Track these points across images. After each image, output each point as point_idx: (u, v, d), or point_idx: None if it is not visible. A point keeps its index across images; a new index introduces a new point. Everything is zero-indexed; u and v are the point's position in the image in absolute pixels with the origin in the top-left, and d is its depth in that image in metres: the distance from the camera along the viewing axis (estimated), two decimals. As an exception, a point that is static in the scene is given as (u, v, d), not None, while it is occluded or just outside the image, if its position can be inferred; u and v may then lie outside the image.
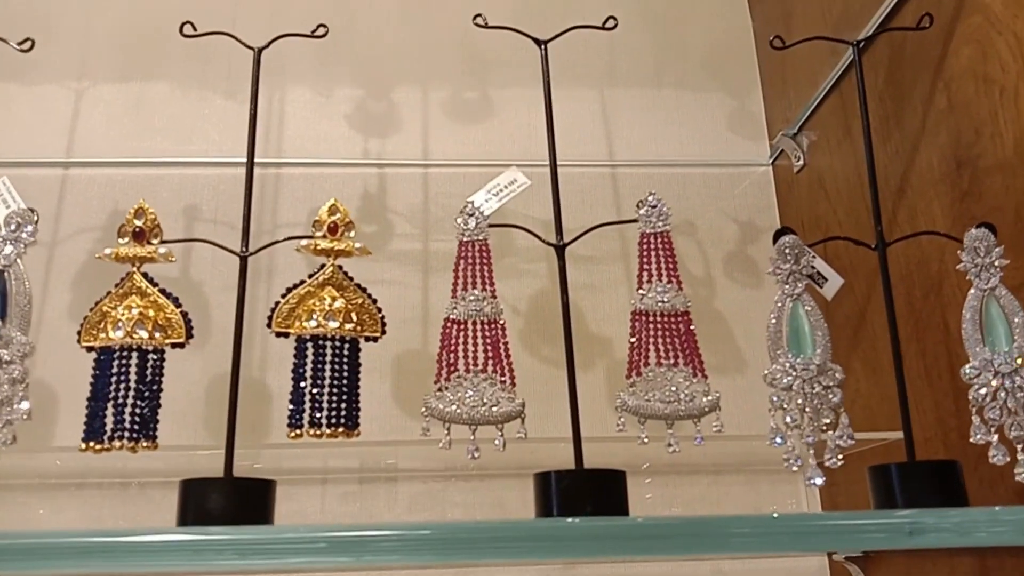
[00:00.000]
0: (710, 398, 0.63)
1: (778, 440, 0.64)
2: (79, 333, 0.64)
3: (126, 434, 0.60)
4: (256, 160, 1.21)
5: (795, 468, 0.64)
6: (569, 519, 0.56)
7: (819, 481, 0.63)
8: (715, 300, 1.20)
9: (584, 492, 0.58)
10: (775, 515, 0.59)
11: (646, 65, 1.30)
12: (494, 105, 1.26)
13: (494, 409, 0.62)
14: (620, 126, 1.27)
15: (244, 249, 0.67)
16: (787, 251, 0.67)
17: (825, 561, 1.09)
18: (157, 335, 0.63)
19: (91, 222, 1.17)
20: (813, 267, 0.69)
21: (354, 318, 0.64)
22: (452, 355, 0.63)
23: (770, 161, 1.25)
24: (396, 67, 1.26)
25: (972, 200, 0.82)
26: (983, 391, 0.64)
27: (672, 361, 0.63)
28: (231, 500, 0.57)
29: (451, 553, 0.56)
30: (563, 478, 0.58)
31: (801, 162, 1.16)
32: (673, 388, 0.63)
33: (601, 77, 1.29)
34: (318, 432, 0.61)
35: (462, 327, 0.64)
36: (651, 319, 0.65)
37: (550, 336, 1.17)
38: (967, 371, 0.66)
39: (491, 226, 0.67)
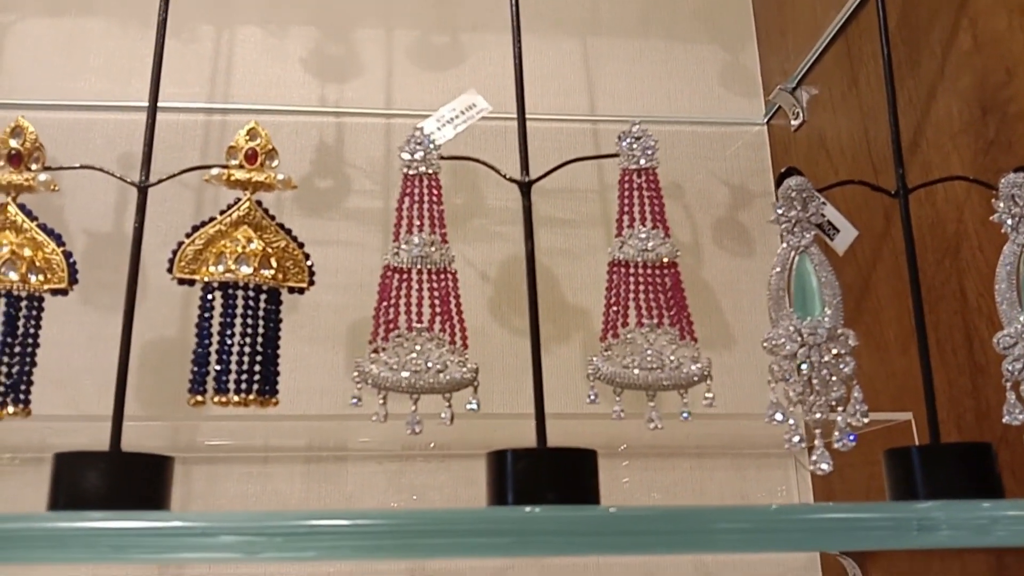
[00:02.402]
0: (699, 365, 0.53)
1: (778, 417, 0.54)
2: (-59, 275, 0.53)
3: (-12, 397, 0.49)
4: (201, 106, 1.12)
5: (797, 449, 0.54)
6: (527, 508, 0.45)
7: (826, 467, 0.53)
8: (702, 270, 1.09)
9: (546, 475, 0.48)
10: (768, 508, 0.49)
11: (632, 13, 1.19)
12: (465, 50, 1.15)
13: (441, 375, 0.51)
14: (603, 78, 1.16)
15: (144, 179, 0.55)
16: (793, 195, 0.56)
17: (816, 555, 0.99)
18: (33, 278, 0.51)
19: (11, 169, 1.05)
20: (823, 215, 0.58)
21: (274, 264, 0.53)
22: (392, 309, 0.53)
23: (765, 120, 1.14)
24: (357, 6, 1.14)
25: (1000, 150, 0.72)
26: (1020, 363, 0.54)
27: (655, 321, 0.53)
28: (114, 479, 0.47)
29: (383, 549, 0.45)
30: (520, 457, 0.48)
31: (800, 119, 1.06)
32: (656, 352, 0.52)
33: (583, 25, 1.18)
34: (224, 399, 0.50)
35: (404, 276, 0.53)
36: (632, 271, 0.54)
37: (521, 306, 1.07)
38: (1001, 339, 0.56)
39: (443, 158, 0.56)
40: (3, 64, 1.10)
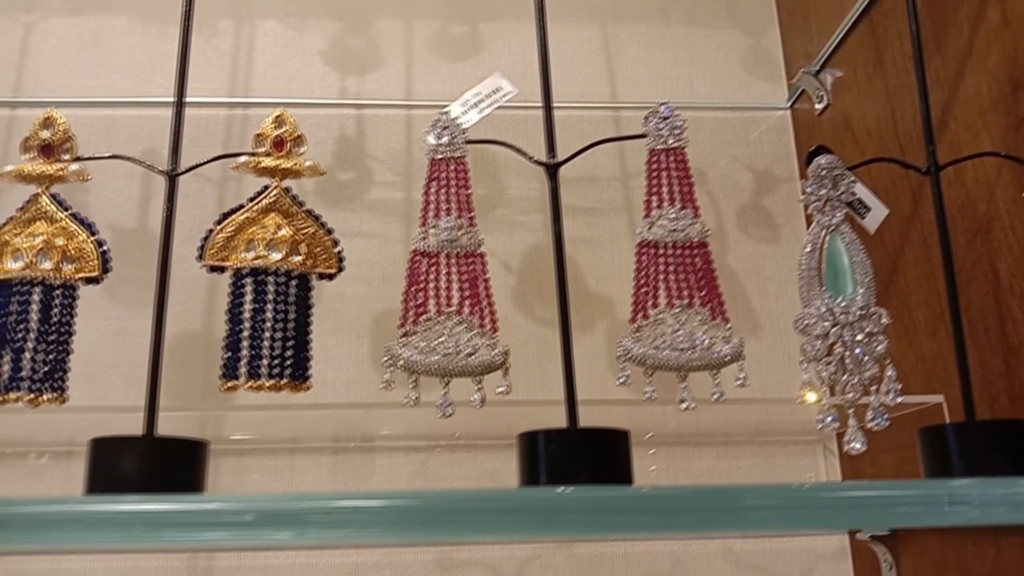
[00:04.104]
0: (731, 345, 0.53)
1: (810, 397, 0.53)
2: (-25, 267, 0.54)
3: (26, 384, 0.49)
4: (222, 100, 1.12)
5: (830, 430, 0.54)
6: (560, 488, 0.45)
7: (859, 446, 0.53)
8: (727, 256, 1.08)
9: (579, 456, 0.47)
10: (799, 486, 0.48)
11: (653, -1, 1.18)
12: (484, 40, 1.14)
13: (471, 358, 0.51)
14: (624, 65, 1.16)
15: (173, 168, 0.56)
16: (823, 174, 0.56)
17: (846, 540, 0.98)
18: (65, 267, 0.52)
19: (38, 166, 1.06)
20: (854, 193, 0.57)
21: (303, 250, 0.53)
22: (421, 294, 0.53)
23: (789, 104, 1.13)
24: (376, -2, 1.14)
25: (1032, 126, 0.71)
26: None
27: (686, 301, 0.53)
28: (150, 464, 0.47)
29: (413, 530, 0.45)
30: (553, 438, 0.48)
31: (824, 103, 1.05)
32: (687, 333, 0.52)
33: (603, 12, 1.17)
34: (256, 384, 0.50)
35: (433, 260, 0.53)
36: (661, 252, 0.54)
37: (545, 295, 1.06)
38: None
39: (469, 142, 0.56)
40: (28, 63, 1.11)
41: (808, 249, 0.56)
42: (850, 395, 0.54)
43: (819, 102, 1.05)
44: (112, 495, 0.45)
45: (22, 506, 0.44)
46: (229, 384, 0.51)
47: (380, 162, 1.09)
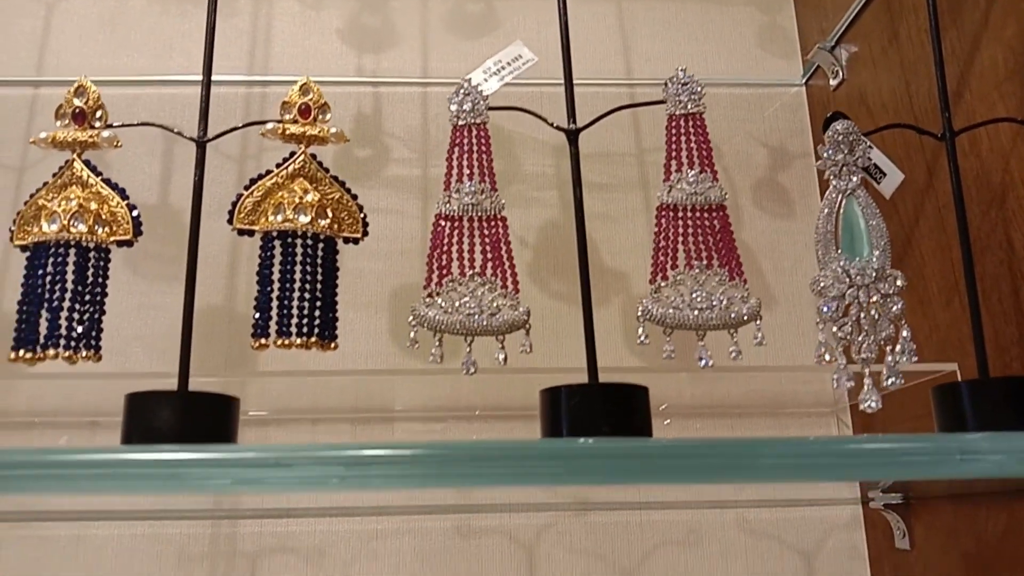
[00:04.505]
0: (749, 305, 0.54)
1: (827, 357, 0.54)
2: (12, 232, 0.55)
3: (63, 342, 0.51)
4: (241, 79, 1.14)
5: (846, 388, 0.55)
6: (580, 440, 0.47)
7: (875, 404, 0.54)
8: (742, 231, 1.09)
9: (600, 410, 0.49)
10: (813, 439, 0.49)
11: (667, -25, 1.18)
12: (499, 17, 1.15)
13: (494, 318, 0.52)
14: (639, 42, 1.16)
15: (202, 135, 0.57)
16: (840, 139, 0.57)
17: (859, 511, 1.00)
18: (99, 230, 0.53)
19: (62, 143, 1.07)
20: (869, 158, 0.58)
21: (329, 214, 0.55)
22: (445, 256, 0.54)
23: (803, 80, 1.14)
24: (392, -25, 1.15)
25: (1048, 95, 0.71)
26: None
27: (704, 263, 0.54)
28: (185, 417, 0.49)
29: (436, 477, 0.47)
30: (575, 393, 0.49)
31: (839, 78, 1.05)
32: (706, 293, 0.53)
33: (618, -12, 1.18)
34: (286, 342, 0.52)
35: (456, 224, 0.55)
36: (680, 215, 0.55)
37: (560, 269, 1.08)
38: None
39: (491, 109, 0.57)
40: (50, 42, 1.13)
41: (825, 213, 0.57)
42: (865, 355, 0.54)
43: (834, 77, 1.06)
44: (147, 444, 0.47)
45: (60, 455, 0.46)
46: (260, 343, 0.53)
47: (397, 139, 1.10)
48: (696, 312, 0.53)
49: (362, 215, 0.57)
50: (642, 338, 0.53)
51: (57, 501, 0.95)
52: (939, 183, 0.86)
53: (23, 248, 0.55)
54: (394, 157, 1.10)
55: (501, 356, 0.53)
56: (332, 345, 0.55)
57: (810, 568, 0.98)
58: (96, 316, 0.53)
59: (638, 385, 0.50)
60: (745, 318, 0.53)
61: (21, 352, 0.51)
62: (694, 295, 0.53)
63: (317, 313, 0.53)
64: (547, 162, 1.10)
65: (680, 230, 0.54)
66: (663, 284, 0.54)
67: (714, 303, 0.53)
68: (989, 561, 0.78)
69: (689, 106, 0.56)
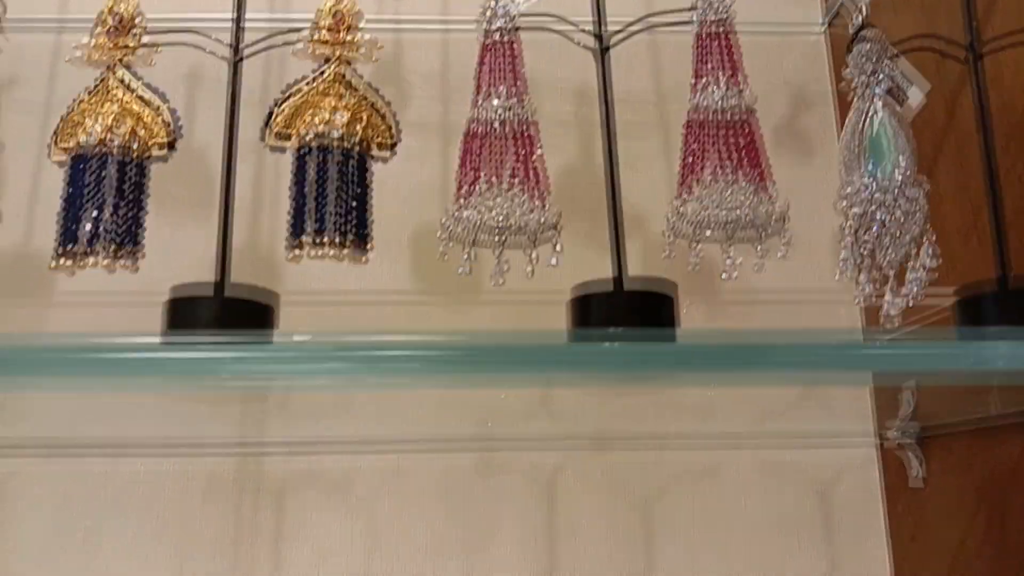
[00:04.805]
0: (777, 213, 0.54)
1: (850, 270, 0.55)
2: (50, 146, 0.57)
3: (103, 248, 0.52)
4: (263, 16, 1.14)
5: (868, 304, 0.56)
6: (605, 343, 0.48)
7: (899, 309, 0.54)
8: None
9: (627, 315, 0.50)
10: (831, 342, 0.50)
11: (686, -81, 1.17)
12: (520, -39, 1.15)
13: (524, 228, 0.53)
14: (658, -12, 1.16)
15: (235, 53, 0.58)
16: (867, 50, 0.57)
17: (874, 453, 1.01)
18: (137, 140, 0.55)
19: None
20: (895, 71, 0.59)
21: (361, 127, 0.56)
22: (474, 168, 0.55)
23: (825, 24, 1.13)
24: (412, -83, 1.15)
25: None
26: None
27: (732, 175, 0.54)
28: (223, 317, 0.50)
29: (470, 370, 0.48)
30: (603, 300, 0.50)
31: (861, 20, 1.04)
32: (733, 202, 0.54)
33: (636, -69, 1.17)
34: (321, 251, 0.53)
35: (486, 136, 0.55)
36: (708, 129, 0.55)
37: (578, 215, 1.08)
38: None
39: (519, 15, 0.58)
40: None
41: (850, 125, 0.57)
42: (889, 262, 0.55)
43: (855, 21, 1.05)
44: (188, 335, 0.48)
45: (104, 341, 0.47)
46: (294, 253, 0.54)
47: (417, 83, 1.11)
48: (723, 220, 0.53)
49: (395, 123, 0.58)
50: (668, 251, 0.54)
51: (88, 435, 0.98)
52: (958, 121, 0.86)
53: (60, 164, 0.56)
54: (414, 101, 1.10)
55: (531, 267, 0.54)
56: (364, 258, 0.56)
57: (824, 506, 1.00)
58: (134, 227, 0.54)
59: (664, 293, 0.51)
60: (772, 226, 0.54)
61: (62, 260, 0.52)
62: (722, 203, 0.54)
63: (352, 222, 0.54)
64: (565, 108, 1.10)
65: (708, 138, 0.55)
66: (688, 197, 0.55)
67: (741, 211, 0.54)
68: (1004, 490, 0.79)
69: (717, 15, 0.57)
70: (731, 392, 1.01)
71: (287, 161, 1.06)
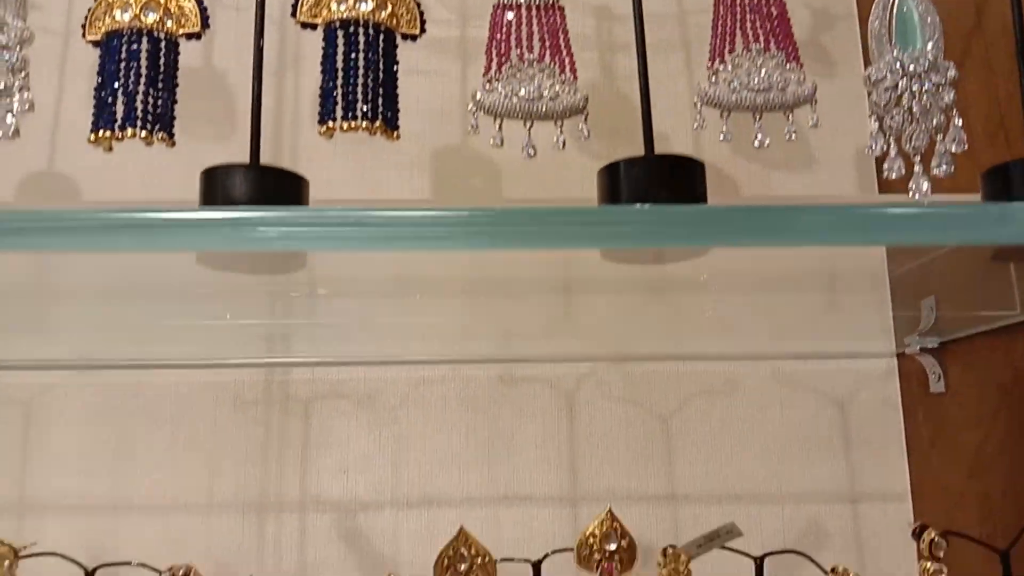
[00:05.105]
0: (806, 86, 0.55)
1: (878, 146, 0.56)
2: (84, 27, 0.57)
3: (139, 122, 0.53)
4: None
5: (895, 176, 0.56)
6: (637, 205, 0.48)
7: (925, 187, 0.55)
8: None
9: (657, 179, 0.50)
10: (852, 205, 0.51)
11: None
12: None
13: (553, 102, 0.54)
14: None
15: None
16: (897, -75, 0.56)
17: (894, 362, 1.02)
18: (168, 22, 0.55)
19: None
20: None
21: (388, 8, 0.56)
22: (503, 44, 0.55)
23: (848, -66, 1.12)
24: None
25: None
26: None
27: (762, 46, 0.54)
28: (257, 188, 0.51)
29: (504, 236, 0.49)
30: (633, 164, 0.51)
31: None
32: (763, 75, 0.54)
33: None
34: (352, 124, 0.54)
35: (515, 11, 0.56)
36: (738, 2, 0.55)
37: (600, 132, 1.08)
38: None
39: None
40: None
41: (879, 6, 0.57)
42: (916, 144, 0.55)
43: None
44: (229, 205, 0.49)
45: (143, 212, 0.48)
46: (327, 127, 0.55)
47: (434, 5, 1.10)
48: (753, 93, 0.54)
49: (420, 11, 0.58)
50: (699, 121, 0.54)
51: (117, 351, 1.00)
52: (987, 20, 0.86)
53: (95, 43, 0.57)
54: (432, 18, 1.09)
55: (560, 140, 0.55)
56: (395, 134, 0.57)
57: (844, 417, 1.01)
58: (169, 102, 0.55)
59: (695, 159, 0.52)
60: (802, 99, 0.54)
61: (100, 132, 0.53)
62: (752, 76, 0.54)
63: (381, 100, 0.54)
64: (587, 22, 1.10)
65: (738, 13, 0.55)
66: (720, 67, 0.55)
67: (771, 84, 0.54)
68: (1024, 388, 0.80)
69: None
70: (751, 307, 1.01)
71: (308, 88, 1.06)
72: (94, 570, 0.70)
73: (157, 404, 0.99)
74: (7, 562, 0.67)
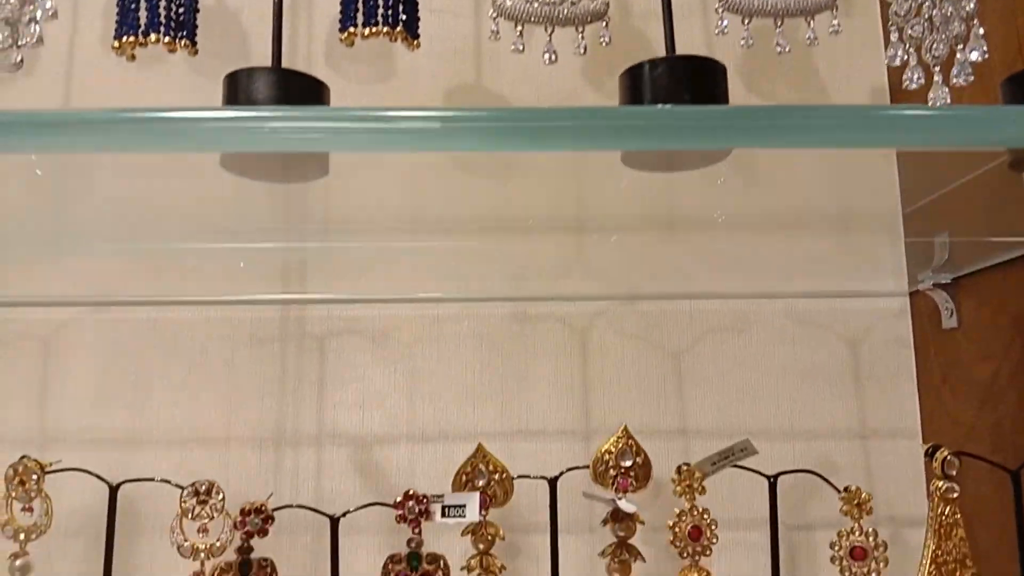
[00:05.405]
0: (829, -13, 0.55)
1: (898, 56, 0.55)
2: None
3: (162, 29, 0.53)
4: None
5: (914, 86, 0.56)
6: (659, 105, 0.49)
7: (945, 98, 0.55)
8: (797, 31, 1.08)
9: (681, 81, 0.50)
10: (865, 105, 0.51)
11: None
12: None
13: (574, 6, 0.54)
14: None
15: None
16: None
17: (907, 301, 1.02)
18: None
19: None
20: None
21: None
22: (525, -51, 0.55)
23: None
24: None
25: None
26: None
27: (783, -49, 0.54)
28: (281, 90, 0.51)
29: (527, 136, 0.49)
30: (657, 65, 0.51)
31: None
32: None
33: None
34: (374, 30, 0.54)
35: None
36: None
37: (615, 68, 1.08)
38: None
39: None
40: None
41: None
42: (936, 53, 0.55)
43: None
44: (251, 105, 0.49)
45: (163, 112, 0.48)
46: (348, 33, 0.55)
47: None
48: (775, -2, 0.54)
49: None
50: (721, 25, 0.54)
51: (134, 288, 1.00)
52: (1008, -50, 0.85)
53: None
54: (447, -41, 1.09)
55: (582, 45, 0.55)
56: (416, 42, 0.57)
57: (855, 355, 1.02)
58: (191, 9, 0.55)
59: (717, 61, 0.52)
60: (823, 4, 0.54)
61: (123, 38, 0.53)
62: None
63: (402, 7, 0.55)
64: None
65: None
66: (742, -27, 0.55)
67: (793, -13, 0.54)
68: (1039, 316, 0.80)
69: None
70: (764, 246, 1.01)
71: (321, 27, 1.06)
72: (117, 486, 0.72)
73: (174, 340, 1.00)
74: (35, 476, 0.68)
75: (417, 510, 0.66)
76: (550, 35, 0.55)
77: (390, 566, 0.66)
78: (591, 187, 1.01)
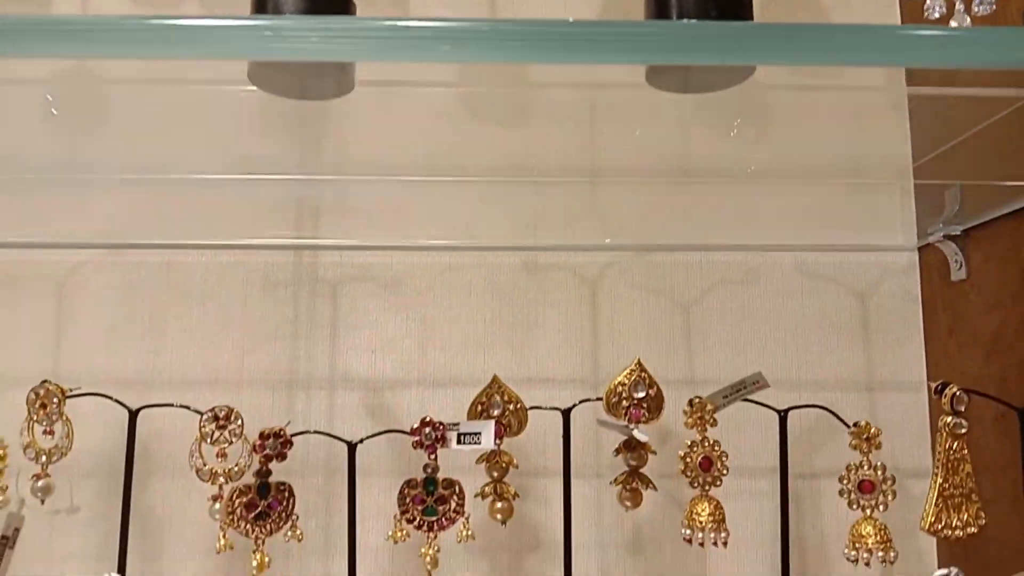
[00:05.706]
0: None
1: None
2: None
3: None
4: None
5: (936, 15, 0.57)
6: (685, 20, 0.49)
7: (968, 23, 0.55)
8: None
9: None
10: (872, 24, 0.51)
11: None
12: None
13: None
14: None
15: None
16: None
17: (916, 256, 1.03)
18: None
19: None
20: None
21: None
22: None
23: None
24: None
25: None
26: None
27: None
28: (307, 2, 0.52)
29: (551, 50, 0.49)
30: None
31: None
32: None
33: None
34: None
35: None
36: None
37: (633, 10, 1.08)
38: None
39: None
40: None
41: None
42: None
43: None
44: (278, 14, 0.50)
45: (188, 20, 0.49)
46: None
47: None
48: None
49: None
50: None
51: (147, 231, 1.01)
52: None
53: None
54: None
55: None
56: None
57: (863, 308, 1.02)
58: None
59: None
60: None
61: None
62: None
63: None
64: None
65: None
66: None
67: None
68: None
69: None
70: (774, 199, 1.02)
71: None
72: (137, 411, 0.73)
73: (187, 284, 1.01)
74: (55, 399, 0.69)
75: (433, 436, 0.67)
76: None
77: (407, 491, 0.67)
78: (606, 136, 1.02)
